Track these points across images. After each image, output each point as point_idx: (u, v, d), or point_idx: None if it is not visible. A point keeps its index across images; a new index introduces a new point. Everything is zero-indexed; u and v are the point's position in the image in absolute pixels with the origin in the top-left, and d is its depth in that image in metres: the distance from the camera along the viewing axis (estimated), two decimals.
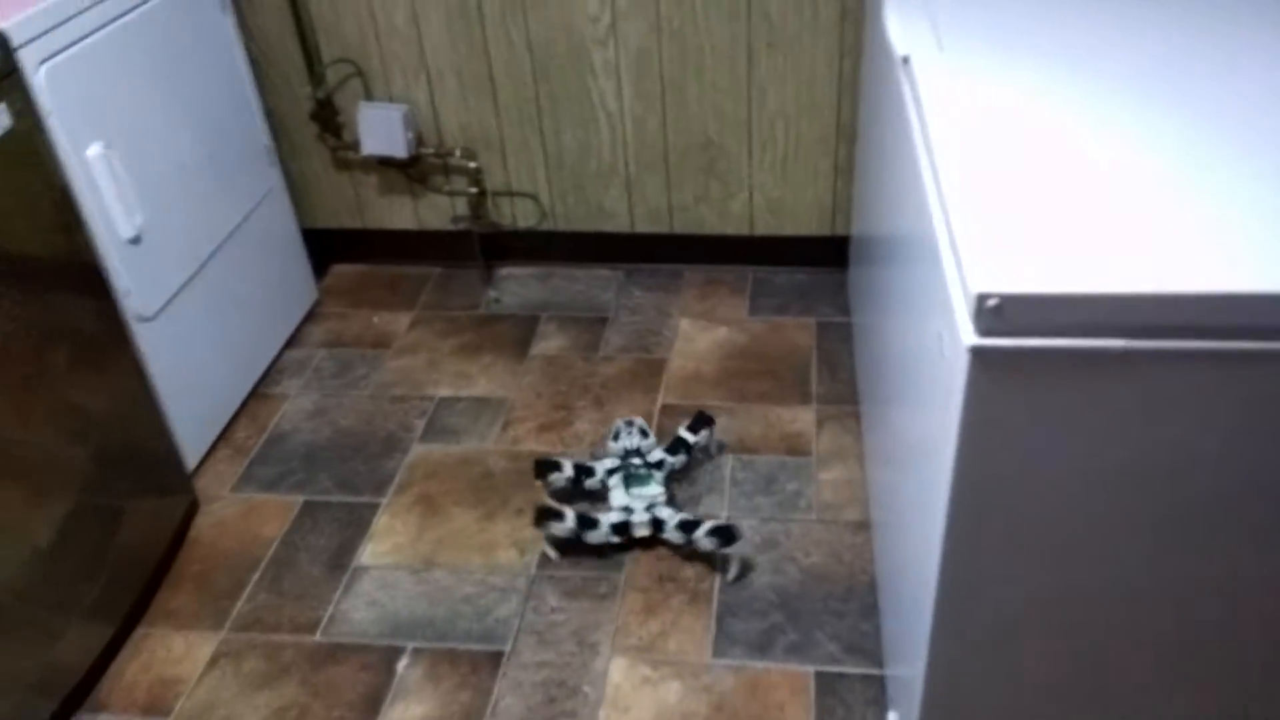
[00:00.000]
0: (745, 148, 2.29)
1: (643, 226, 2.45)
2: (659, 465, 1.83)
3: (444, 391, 2.17)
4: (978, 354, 0.87)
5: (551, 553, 1.77)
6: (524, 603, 1.71)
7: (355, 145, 2.34)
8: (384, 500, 1.93)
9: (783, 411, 2.03)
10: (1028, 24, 1.35)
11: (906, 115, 1.25)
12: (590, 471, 1.84)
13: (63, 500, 1.57)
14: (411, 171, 2.44)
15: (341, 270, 2.60)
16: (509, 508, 1.88)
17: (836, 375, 2.12)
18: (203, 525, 1.92)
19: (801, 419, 2.01)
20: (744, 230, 2.41)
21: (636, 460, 1.84)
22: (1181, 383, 0.89)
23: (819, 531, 1.77)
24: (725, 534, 1.67)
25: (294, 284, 2.37)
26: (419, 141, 2.37)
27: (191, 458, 2.01)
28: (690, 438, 1.87)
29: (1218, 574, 1.01)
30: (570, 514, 1.72)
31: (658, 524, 1.73)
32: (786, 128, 2.25)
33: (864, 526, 1.77)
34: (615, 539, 1.74)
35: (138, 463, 1.76)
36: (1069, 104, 1.15)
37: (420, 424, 2.09)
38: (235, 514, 1.93)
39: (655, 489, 1.80)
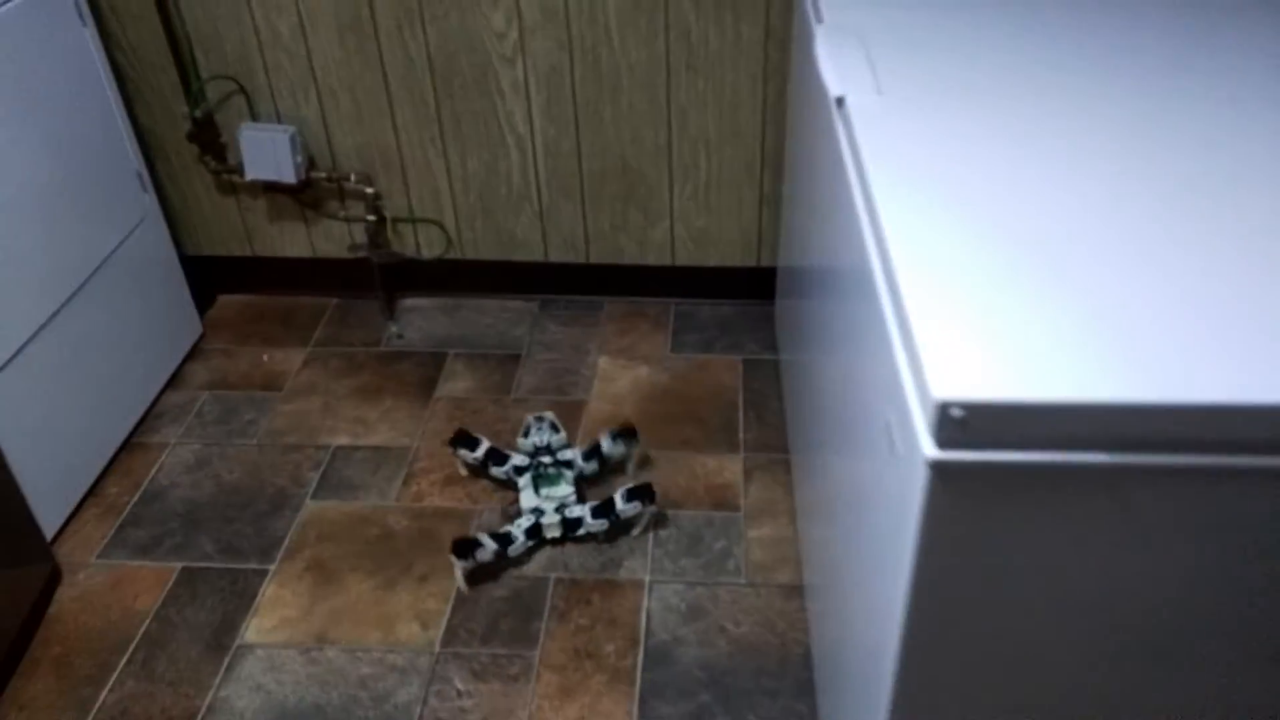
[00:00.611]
0: (666, 174, 2.16)
1: (557, 255, 2.29)
2: (569, 465, 1.81)
3: (340, 440, 1.99)
4: (939, 468, 0.75)
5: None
6: (427, 686, 1.54)
7: (240, 169, 2.14)
8: (271, 567, 1.74)
9: (708, 460, 1.90)
10: (973, 63, 1.23)
11: (843, 164, 1.12)
12: (502, 459, 1.82)
13: None
14: (303, 196, 2.25)
15: (228, 301, 2.39)
16: (411, 574, 1.71)
17: (764, 419, 1.99)
18: (64, 599, 1.71)
19: (728, 469, 1.88)
20: (665, 260, 2.28)
21: (546, 458, 1.81)
22: (1166, 501, 0.77)
23: (749, 597, 1.64)
24: (644, 493, 1.70)
25: (174, 319, 2.15)
26: (310, 165, 2.18)
27: (54, 519, 1.80)
28: (607, 445, 1.81)
29: (1195, 699, 0.91)
30: (488, 539, 1.66)
31: (572, 524, 1.72)
32: (709, 154, 2.12)
33: (797, 591, 1.65)
34: (530, 543, 1.71)
35: None
36: (1027, 159, 1.04)
37: (314, 477, 1.91)
38: (102, 585, 1.73)
39: (565, 489, 1.78)
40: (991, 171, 1.01)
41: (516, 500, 1.80)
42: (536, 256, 2.30)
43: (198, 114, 2.09)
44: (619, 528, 1.75)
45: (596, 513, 1.71)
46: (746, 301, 2.31)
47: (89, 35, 1.86)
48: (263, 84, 2.10)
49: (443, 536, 1.77)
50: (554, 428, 1.84)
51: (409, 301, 2.36)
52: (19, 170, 1.68)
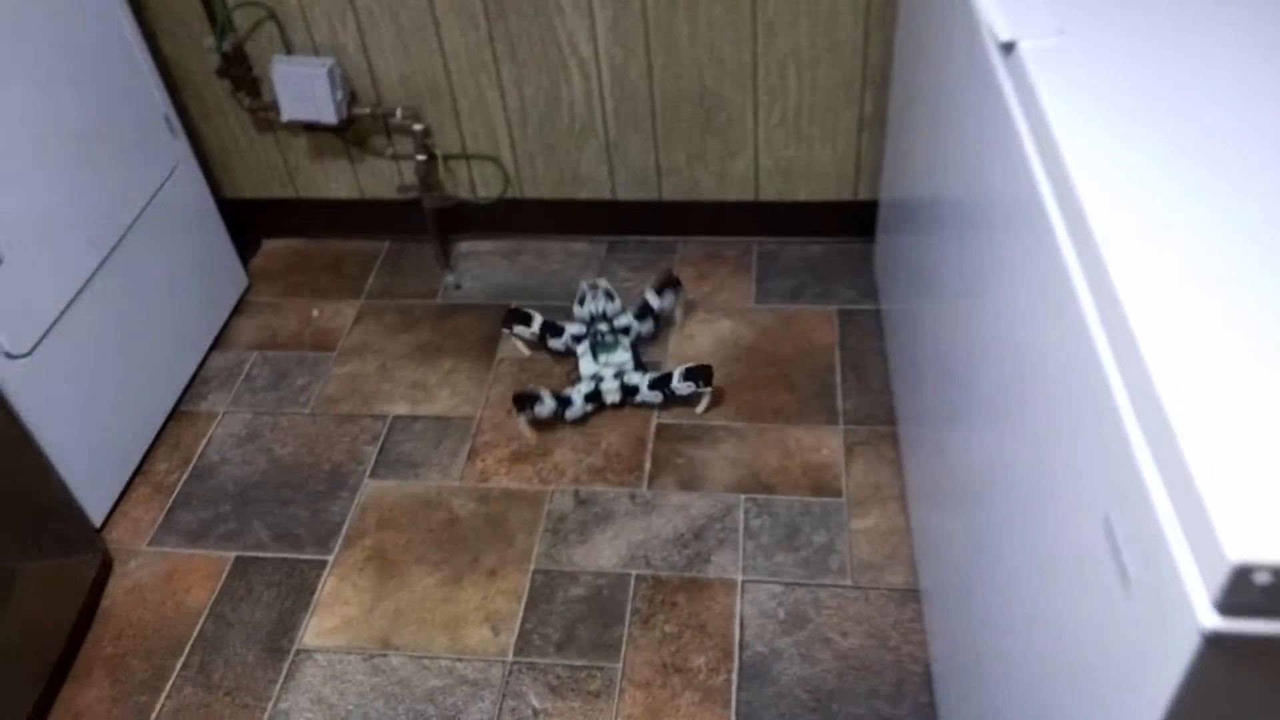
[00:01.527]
0: (749, 98, 1.90)
1: (626, 193, 2.06)
2: (625, 331, 1.81)
3: (398, 408, 1.82)
4: (1216, 641, 0.54)
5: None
6: (500, 702, 1.40)
7: (275, 106, 1.93)
8: (330, 557, 1.60)
9: (804, 435, 1.70)
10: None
11: (1018, 144, 0.88)
12: (559, 331, 1.82)
13: None
14: (347, 134, 2.04)
15: (274, 247, 2.21)
16: (479, 568, 1.56)
17: (866, 382, 1.78)
18: (117, 591, 1.59)
19: (827, 444, 1.68)
20: (748, 195, 2.04)
21: (603, 326, 1.81)
22: None
23: (856, 603, 1.46)
24: (702, 374, 1.69)
25: (217, 273, 1.99)
26: (352, 100, 1.96)
27: (104, 502, 1.68)
28: (655, 301, 1.82)
29: None
30: (548, 396, 1.68)
31: (630, 390, 1.72)
32: (799, 73, 1.86)
33: (911, 595, 1.46)
34: (589, 408, 1.72)
35: (31, 521, 1.43)
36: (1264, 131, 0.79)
37: (371, 452, 1.75)
38: (155, 575, 1.61)
39: (623, 355, 1.77)
40: (1242, 155, 0.77)
41: (576, 368, 1.79)
42: (603, 194, 2.07)
43: (225, 47, 1.88)
44: (673, 400, 1.75)
45: (653, 385, 1.71)
46: (840, 239, 2.07)
47: None
48: (295, 10, 1.88)
49: (511, 524, 1.61)
50: (608, 295, 1.82)
51: (466, 246, 2.16)
52: (37, 122, 1.49)
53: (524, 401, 1.68)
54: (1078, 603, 0.73)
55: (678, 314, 1.88)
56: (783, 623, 1.44)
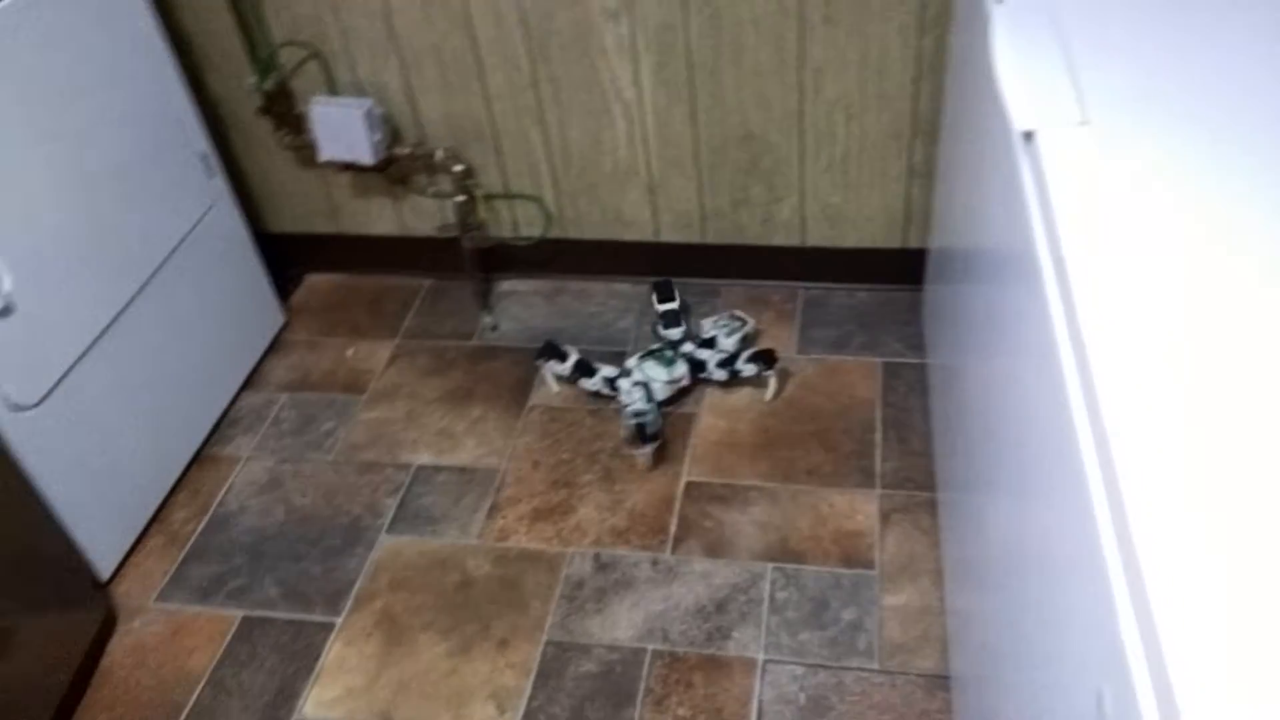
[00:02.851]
0: (796, 143, 1.82)
1: (669, 235, 2.00)
2: (701, 366, 1.80)
3: (423, 458, 1.78)
4: None
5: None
6: None
7: (316, 145, 1.91)
8: (338, 620, 1.56)
9: (837, 498, 1.61)
10: (1213, 63, 0.87)
11: (1029, 230, 0.79)
12: (591, 371, 1.80)
13: None
14: (389, 172, 2.01)
15: (316, 282, 2.20)
16: (490, 637, 1.50)
17: (907, 442, 1.68)
18: (118, 650, 1.56)
19: (862, 510, 1.59)
20: (794, 240, 1.95)
21: (686, 346, 1.82)
22: None
23: (883, 689, 1.37)
24: (766, 357, 1.74)
25: (253, 311, 1.98)
26: (394, 139, 1.93)
27: (113, 553, 1.65)
28: (744, 369, 1.78)
29: None
30: (602, 373, 1.77)
31: (698, 365, 1.77)
32: (848, 120, 1.77)
33: (941, 682, 1.36)
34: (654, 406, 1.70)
35: (32, 576, 1.42)
36: None
37: (391, 505, 1.71)
38: (159, 634, 1.57)
39: (680, 369, 1.77)
40: (1249, 274, 0.68)
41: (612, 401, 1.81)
42: (646, 235, 2.01)
43: (268, 85, 1.87)
44: (737, 380, 1.79)
45: (721, 364, 1.76)
46: (889, 287, 1.98)
47: (142, 3, 1.64)
48: (339, 50, 1.86)
49: (527, 589, 1.55)
50: (727, 327, 1.84)
51: (506, 285, 2.12)
52: (64, 164, 1.49)
53: (575, 373, 1.75)
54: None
55: (771, 384, 1.79)
56: (803, 709, 1.36)
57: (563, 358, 1.80)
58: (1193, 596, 0.51)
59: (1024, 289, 0.84)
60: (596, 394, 1.82)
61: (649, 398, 1.69)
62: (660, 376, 1.75)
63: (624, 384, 1.74)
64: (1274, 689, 0.48)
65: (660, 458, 1.71)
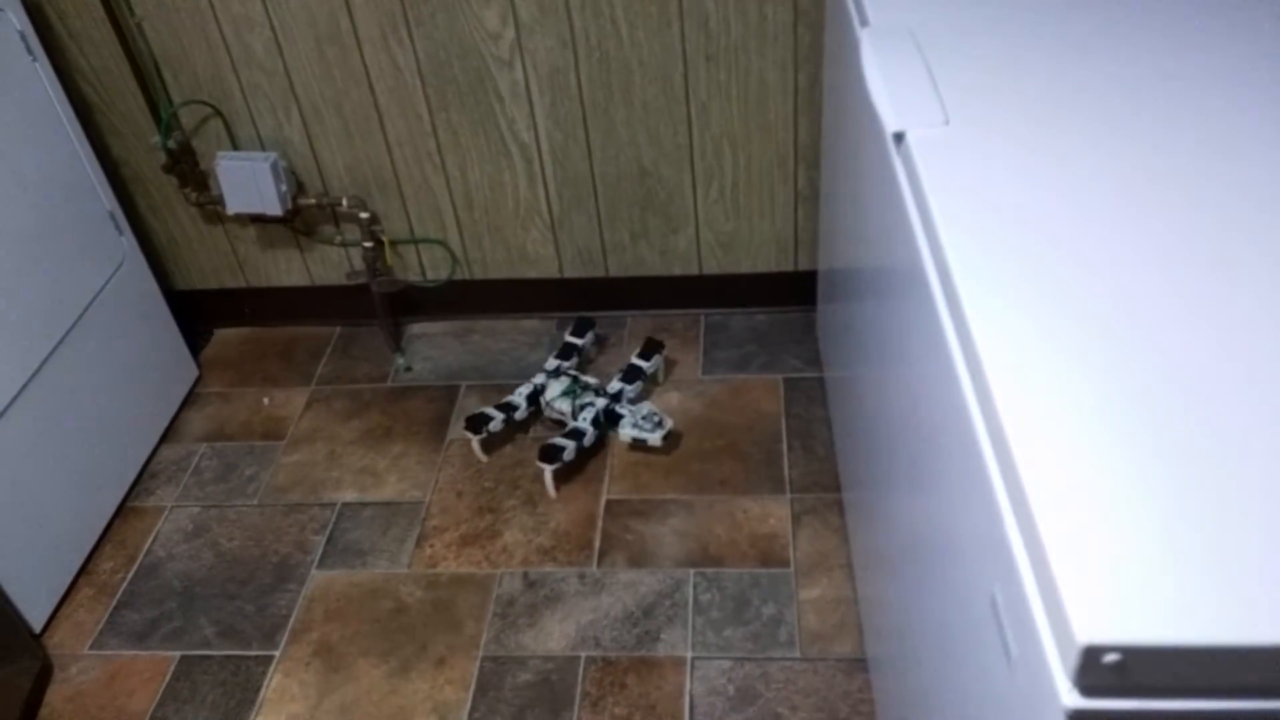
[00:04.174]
0: (687, 176, 1.94)
1: (573, 271, 2.09)
2: (617, 397, 1.85)
3: (347, 495, 1.82)
4: (1078, 718, 0.55)
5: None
6: None
7: (223, 199, 1.95)
8: (276, 653, 1.58)
9: (751, 505, 1.71)
10: (1056, 67, 1.01)
11: (907, 218, 0.91)
12: (513, 406, 1.85)
13: None
14: (295, 224, 2.06)
15: (226, 336, 2.22)
16: (427, 657, 1.54)
17: (811, 450, 1.79)
18: (56, 699, 1.56)
19: (774, 514, 1.69)
20: (691, 270, 2.07)
21: (594, 397, 1.84)
22: None
23: (805, 675, 1.46)
24: (655, 346, 1.91)
25: (166, 366, 1.99)
26: (298, 191, 1.99)
27: (44, 605, 1.66)
28: (644, 365, 1.90)
29: None
30: (565, 441, 1.74)
31: (613, 398, 1.83)
32: (734, 151, 1.90)
33: (860, 665, 1.46)
34: (598, 433, 1.80)
35: None
36: (1131, 212, 0.82)
37: (319, 541, 1.74)
38: (97, 680, 1.58)
39: (598, 400, 1.83)
40: (1099, 238, 0.80)
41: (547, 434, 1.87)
42: (550, 273, 2.10)
43: (171, 144, 1.91)
44: (646, 380, 1.90)
45: (628, 378, 1.86)
46: (784, 309, 2.10)
47: (41, 72, 1.67)
48: (240, 106, 1.91)
49: (460, 610, 1.60)
50: (583, 386, 1.88)
51: (417, 328, 2.18)
52: None
53: (550, 454, 1.72)
54: (979, 675, 0.74)
55: (659, 374, 1.96)
56: (732, 699, 1.43)
57: (488, 420, 1.81)
58: (1066, 506, 0.61)
59: (911, 293, 0.95)
60: (533, 414, 1.90)
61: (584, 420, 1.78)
62: (564, 409, 1.82)
63: (517, 400, 1.85)
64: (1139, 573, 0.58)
65: (578, 477, 1.78)
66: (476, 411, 1.83)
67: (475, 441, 1.82)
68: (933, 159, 0.89)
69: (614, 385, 1.87)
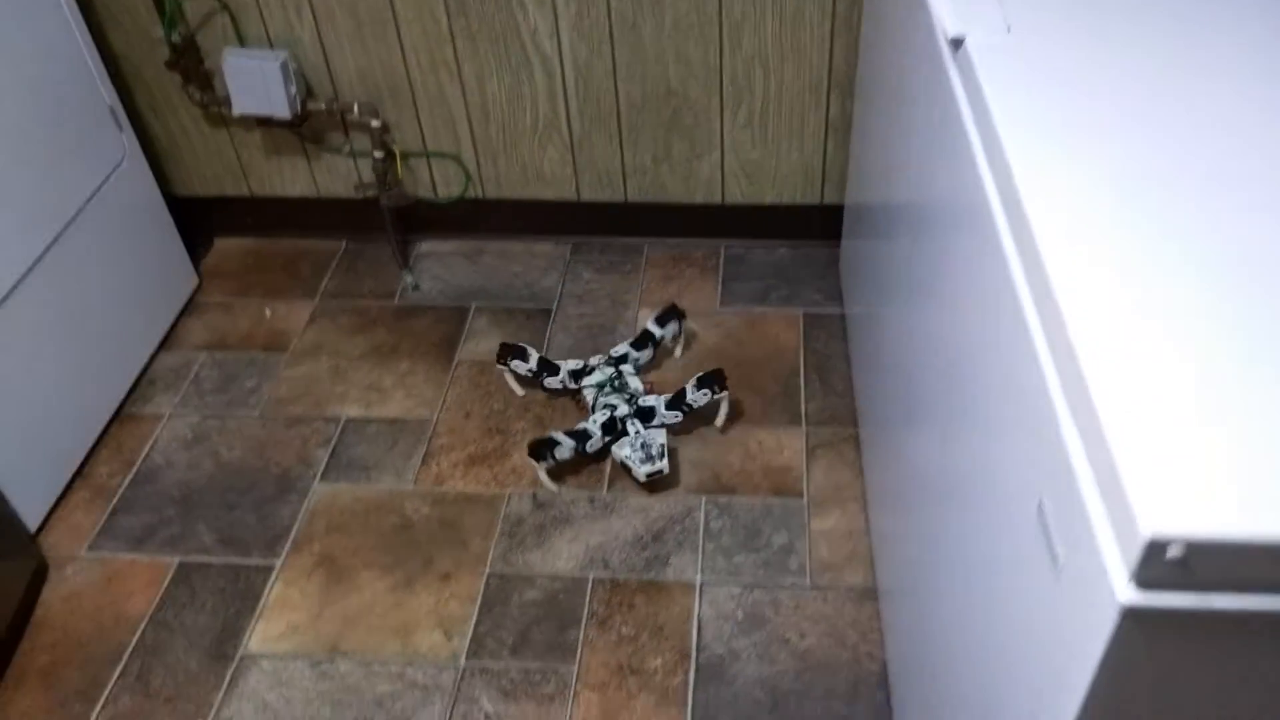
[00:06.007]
0: (715, 99, 1.88)
1: (591, 194, 2.04)
2: (623, 360, 1.72)
3: (352, 410, 1.77)
4: (1135, 615, 0.52)
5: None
6: (450, 707, 1.35)
7: (228, 100, 1.88)
8: (277, 562, 1.55)
9: (765, 436, 1.67)
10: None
11: (966, 145, 0.86)
12: (555, 369, 1.72)
13: None
14: (303, 129, 1.99)
15: (227, 246, 2.16)
16: (432, 571, 1.51)
17: (829, 384, 1.75)
18: (52, 598, 1.53)
19: (789, 446, 1.65)
20: (714, 198, 2.01)
21: (597, 359, 1.74)
22: None
23: (815, 603, 1.43)
24: (714, 379, 1.62)
25: (166, 271, 1.93)
26: (308, 94, 1.92)
27: (40, 505, 1.62)
28: (656, 330, 1.75)
29: None
30: (564, 437, 1.57)
31: (647, 413, 1.63)
32: (766, 75, 1.84)
33: (870, 594, 1.43)
34: (607, 438, 1.61)
35: None
36: (1202, 128, 0.77)
37: (322, 455, 1.70)
38: (93, 581, 1.54)
39: (634, 384, 1.69)
40: (1182, 163, 0.75)
41: (576, 399, 1.74)
42: (567, 195, 2.04)
43: (175, 38, 1.83)
44: (693, 413, 1.65)
45: (670, 405, 1.63)
46: (807, 243, 2.05)
47: None
48: (249, 1, 1.83)
49: (466, 528, 1.56)
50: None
51: (426, 246, 2.12)
52: None
53: (541, 449, 1.56)
54: (1015, 591, 0.71)
55: (678, 349, 1.80)
56: (740, 623, 1.41)
57: (524, 356, 1.70)
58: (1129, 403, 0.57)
59: (966, 225, 0.90)
60: (563, 390, 1.74)
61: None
62: (587, 399, 1.67)
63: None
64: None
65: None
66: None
67: (542, 471, 1.60)
68: (995, 69, 0.84)
69: (620, 349, 1.73)
